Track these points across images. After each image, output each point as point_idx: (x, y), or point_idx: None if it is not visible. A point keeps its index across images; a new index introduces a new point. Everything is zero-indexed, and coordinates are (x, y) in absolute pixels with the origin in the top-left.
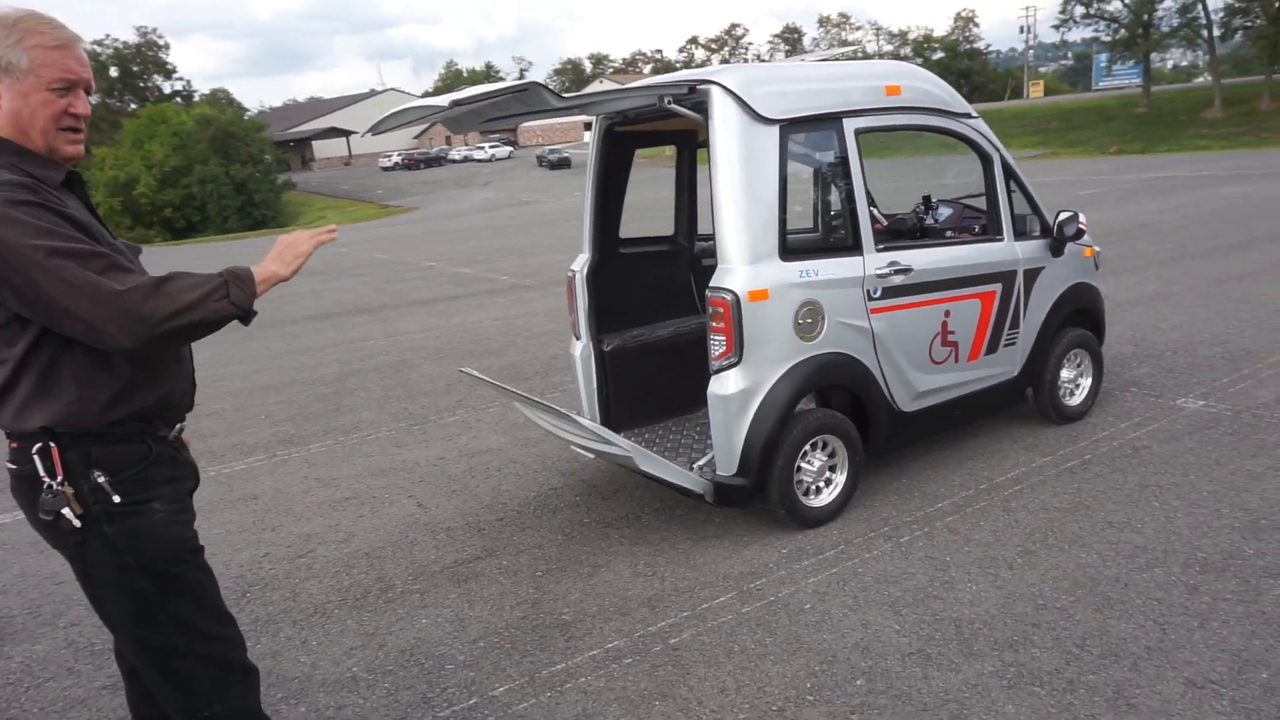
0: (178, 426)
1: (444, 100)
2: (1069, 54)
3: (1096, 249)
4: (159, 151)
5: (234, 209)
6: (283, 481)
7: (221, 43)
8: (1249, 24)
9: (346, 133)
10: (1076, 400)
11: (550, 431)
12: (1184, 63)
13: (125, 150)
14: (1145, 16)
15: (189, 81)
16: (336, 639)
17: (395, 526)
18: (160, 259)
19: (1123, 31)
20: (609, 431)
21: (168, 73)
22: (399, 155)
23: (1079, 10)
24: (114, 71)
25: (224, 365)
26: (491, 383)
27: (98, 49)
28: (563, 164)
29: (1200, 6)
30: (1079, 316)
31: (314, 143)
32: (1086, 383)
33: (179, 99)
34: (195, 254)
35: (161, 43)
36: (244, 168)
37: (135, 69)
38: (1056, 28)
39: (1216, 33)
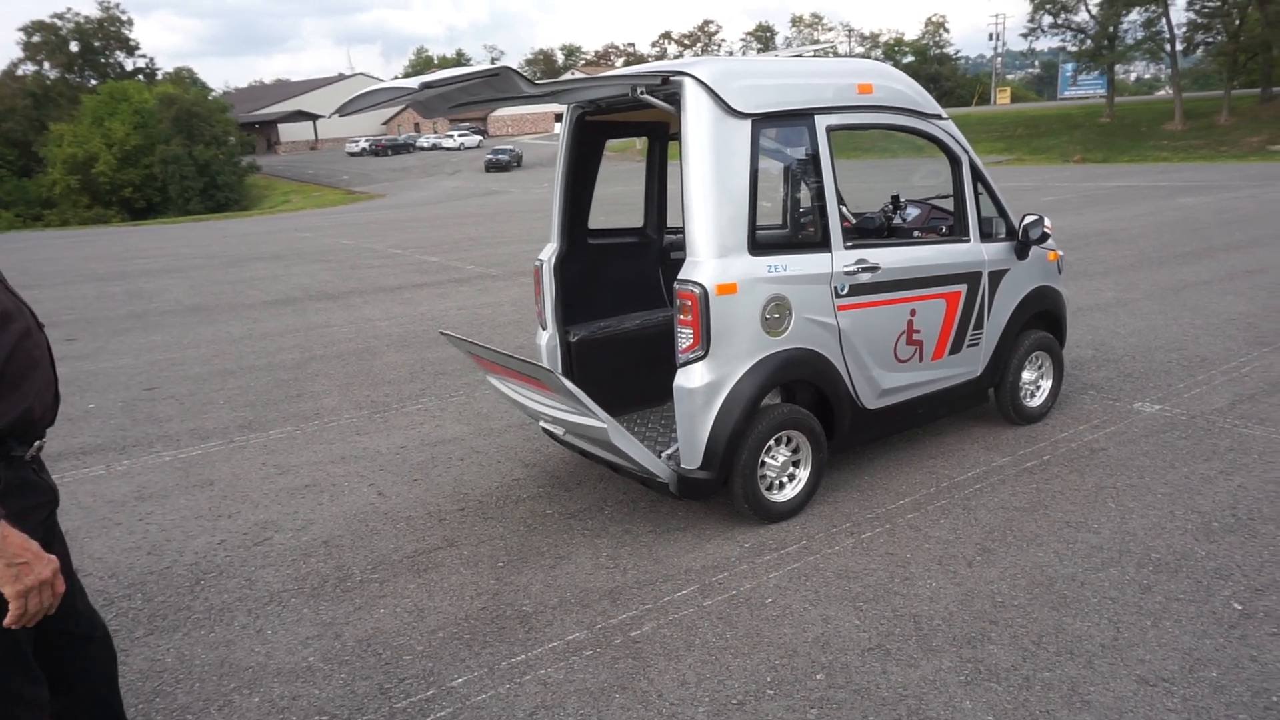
0: (36, 444)
1: (414, 82)
2: (1036, 62)
3: (1060, 253)
4: (119, 130)
5: (196, 190)
6: (240, 468)
7: (187, 20)
8: (1210, 40)
9: (313, 116)
10: (1037, 402)
11: (522, 405)
12: (1147, 75)
13: (84, 127)
14: (1110, 29)
15: (152, 59)
16: (292, 628)
17: (355, 515)
18: (120, 239)
19: (1088, 42)
20: (587, 397)
21: (130, 49)
22: (366, 141)
23: (1046, 20)
24: (74, 46)
25: (181, 349)
26: (471, 342)
27: (58, 22)
28: (500, 167)
29: (1164, 21)
30: (1041, 319)
31: (280, 125)
32: (1047, 385)
33: (141, 76)
34: (156, 235)
35: (124, 18)
36: (207, 149)
37: (96, 44)
38: (1024, 36)
39: (1179, 47)
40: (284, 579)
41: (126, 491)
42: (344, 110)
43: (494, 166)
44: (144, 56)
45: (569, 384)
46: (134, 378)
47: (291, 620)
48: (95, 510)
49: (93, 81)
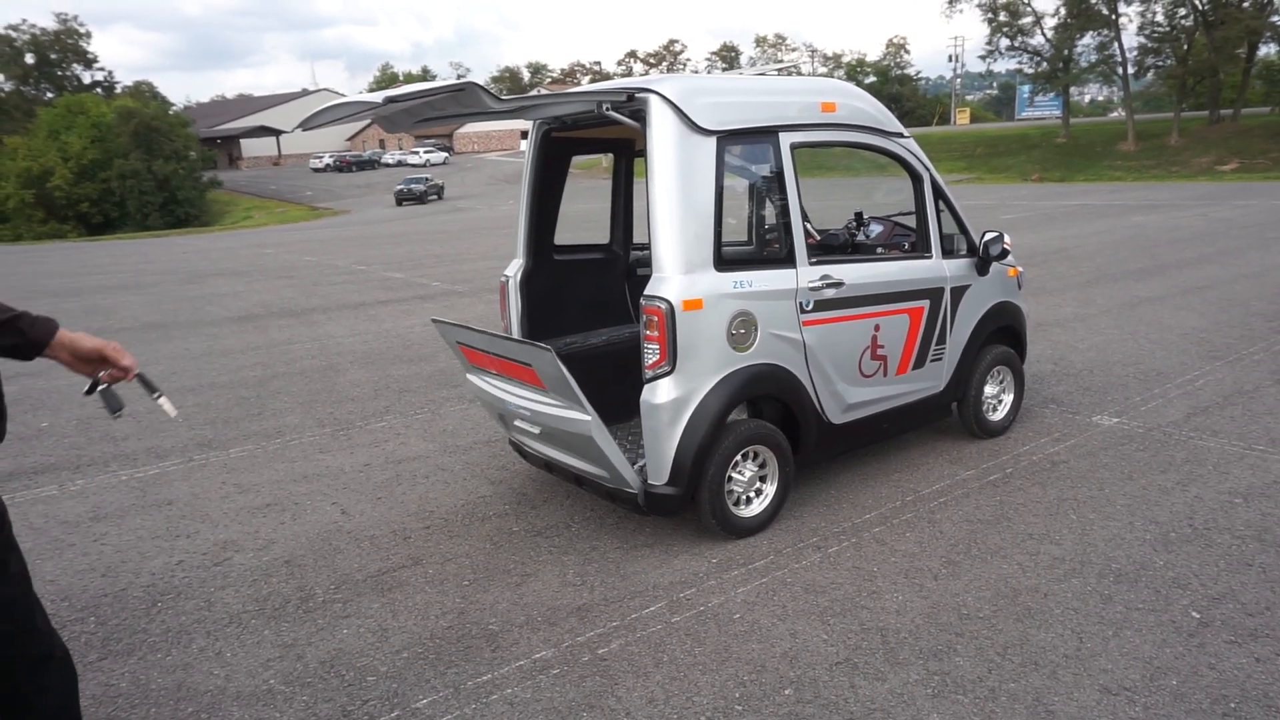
0: None
1: (378, 97)
2: (994, 84)
3: (1020, 269)
4: (76, 143)
5: (155, 206)
6: (199, 486)
7: (147, 34)
8: (1160, 63)
9: (276, 132)
10: (999, 415)
11: (500, 401)
12: (1100, 97)
13: (40, 140)
14: (1065, 52)
15: (111, 73)
16: (253, 650)
17: (317, 534)
18: (76, 254)
19: (1044, 65)
20: (577, 386)
21: (88, 62)
22: (331, 157)
23: (1004, 42)
24: (30, 58)
25: (139, 366)
26: (463, 327)
27: (13, 34)
28: (413, 198)
29: (1116, 45)
30: (1002, 334)
31: (242, 141)
32: (1009, 399)
33: (99, 90)
34: (114, 250)
35: (82, 30)
36: (167, 163)
37: (53, 57)
38: (983, 58)
39: (1130, 70)
40: (244, 600)
41: (81, 512)
42: (307, 124)
43: (406, 198)
44: (102, 70)
45: (562, 367)
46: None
47: (252, 642)
48: (47, 531)
49: (49, 94)
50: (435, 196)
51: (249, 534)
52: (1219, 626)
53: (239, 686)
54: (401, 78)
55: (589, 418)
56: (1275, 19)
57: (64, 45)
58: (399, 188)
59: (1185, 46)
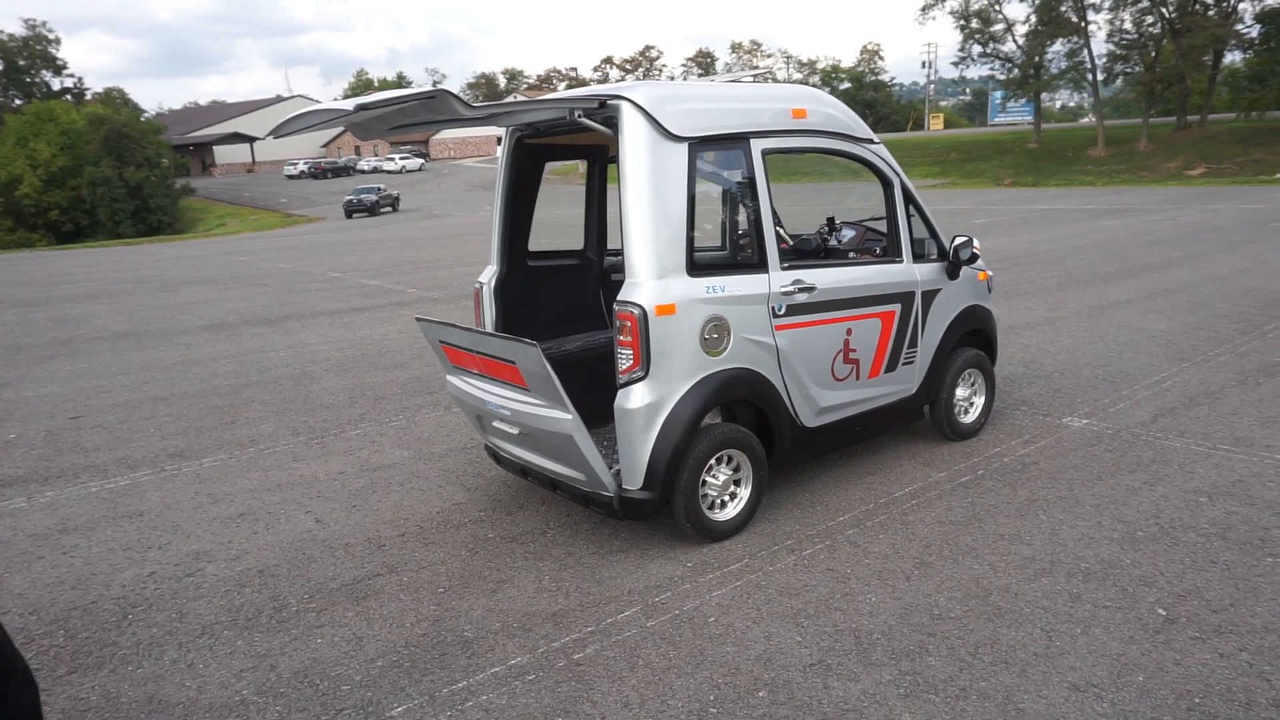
0: None
1: (349, 104)
2: (967, 90)
3: (990, 273)
4: (45, 151)
5: (127, 213)
6: (171, 497)
7: (118, 40)
8: (1129, 70)
9: (250, 138)
10: (971, 418)
11: (480, 402)
12: (1071, 103)
13: (8, 148)
14: (1036, 58)
15: (81, 79)
16: (225, 661)
17: (291, 543)
18: (45, 263)
19: (1016, 71)
20: (559, 384)
21: (57, 69)
22: (305, 163)
23: (976, 49)
24: None
25: (110, 375)
26: (448, 325)
27: None
28: (364, 209)
29: (1086, 52)
30: (973, 337)
31: (215, 148)
32: (980, 401)
33: (69, 96)
34: (84, 259)
35: (51, 37)
36: (139, 171)
37: (21, 63)
38: (956, 64)
39: (1100, 77)
40: (217, 611)
41: (49, 524)
42: (279, 132)
43: (356, 209)
44: (72, 76)
45: (546, 364)
46: (59, 406)
47: (224, 653)
48: (15, 544)
49: (17, 101)
50: (389, 208)
51: (222, 544)
52: (1184, 623)
53: (211, 698)
54: (376, 84)
55: (570, 416)
56: (1239, 27)
57: (33, 52)
58: (348, 198)
59: (1153, 54)
